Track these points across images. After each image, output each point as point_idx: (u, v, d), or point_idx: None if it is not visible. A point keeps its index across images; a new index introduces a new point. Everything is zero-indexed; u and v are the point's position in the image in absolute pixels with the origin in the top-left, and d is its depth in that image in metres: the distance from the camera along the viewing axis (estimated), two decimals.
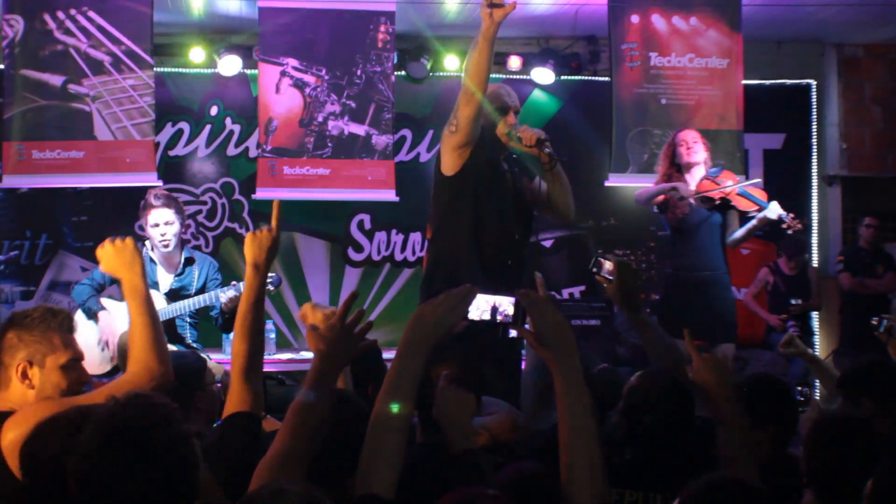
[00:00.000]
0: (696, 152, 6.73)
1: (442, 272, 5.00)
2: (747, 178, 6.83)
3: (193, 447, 2.20)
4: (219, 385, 4.53)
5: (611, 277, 3.51)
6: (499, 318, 2.60)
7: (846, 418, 3.22)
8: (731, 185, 6.65)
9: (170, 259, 6.39)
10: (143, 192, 8.17)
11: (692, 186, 6.72)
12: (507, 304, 2.61)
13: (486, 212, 5.01)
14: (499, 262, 4.97)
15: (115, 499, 2.10)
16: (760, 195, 6.76)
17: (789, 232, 7.00)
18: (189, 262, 6.46)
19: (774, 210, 6.67)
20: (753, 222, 6.71)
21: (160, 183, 7.46)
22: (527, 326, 2.57)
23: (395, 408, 2.44)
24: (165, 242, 6.25)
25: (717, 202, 6.65)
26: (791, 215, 6.82)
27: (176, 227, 6.30)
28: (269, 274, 6.22)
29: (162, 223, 6.25)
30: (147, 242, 6.44)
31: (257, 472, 2.50)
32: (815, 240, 9.51)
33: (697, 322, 6.56)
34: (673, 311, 6.82)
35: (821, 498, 3.01)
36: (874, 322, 5.26)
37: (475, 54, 4.75)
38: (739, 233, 6.84)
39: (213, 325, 6.60)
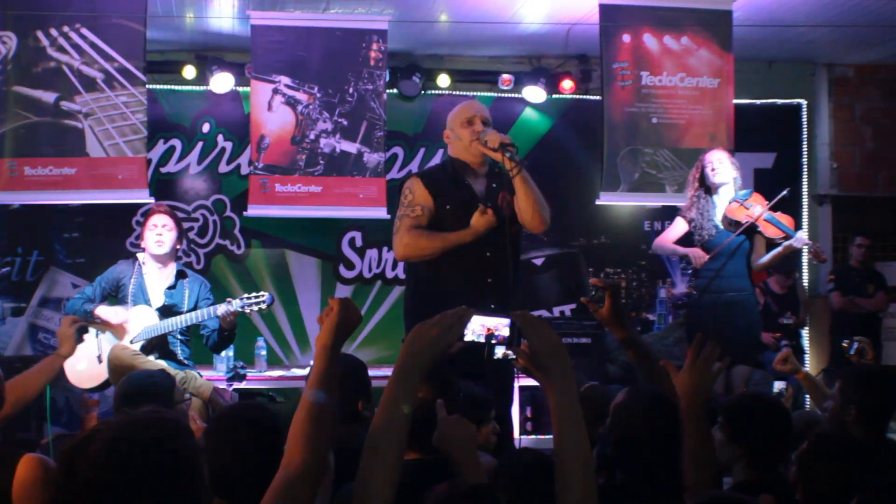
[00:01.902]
0: (722, 172, 6.78)
1: (423, 298, 4.98)
2: (768, 199, 6.82)
3: (201, 462, 2.21)
4: (188, 403, 4.55)
5: (595, 299, 3.55)
6: (493, 340, 2.59)
7: (839, 437, 3.24)
8: (759, 210, 6.69)
9: (163, 263, 6.46)
10: (134, 209, 8.24)
11: (720, 208, 6.76)
12: (502, 326, 2.61)
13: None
14: (476, 283, 4.88)
15: None
16: (788, 223, 6.81)
17: (814, 262, 7.06)
18: (181, 275, 6.52)
19: (800, 239, 6.74)
20: (779, 249, 6.77)
21: (152, 200, 7.48)
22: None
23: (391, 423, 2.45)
24: (160, 242, 6.42)
25: (745, 226, 6.68)
26: (816, 244, 6.89)
27: (173, 234, 6.48)
28: (262, 293, 6.31)
29: (160, 225, 6.46)
30: (140, 255, 6.52)
31: (277, 486, 2.49)
32: (805, 259, 9.53)
33: (722, 343, 6.63)
34: (698, 332, 6.87)
35: None
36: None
37: (440, 246, 4.89)
38: (765, 258, 6.89)
39: (203, 343, 6.60)
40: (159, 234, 6.42)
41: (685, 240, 6.94)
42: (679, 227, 6.94)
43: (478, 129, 4.98)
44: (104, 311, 6.29)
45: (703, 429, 3.22)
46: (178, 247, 6.55)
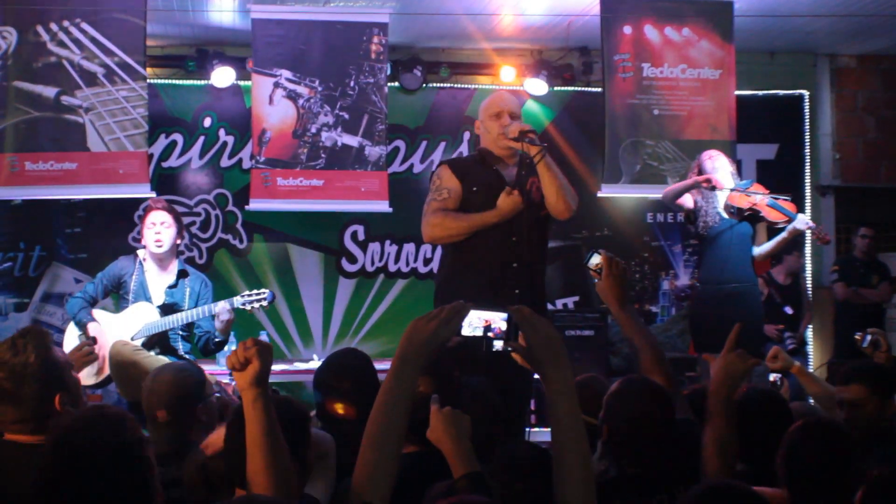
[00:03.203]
0: (718, 159, 6.80)
1: (449, 281, 4.99)
2: (770, 190, 6.83)
3: (146, 455, 2.26)
4: (217, 395, 4.54)
5: (600, 271, 3.58)
6: (491, 333, 2.59)
7: (823, 422, 3.24)
8: (760, 196, 6.68)
9: (163, 263, 6.40)
10: (136, 203, 8.22)
11: (721, 200, 6.73)
12: (499, 320, 2.60)
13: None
14: (500, 267, 4.90)
15: None
16: (790, 207, 6.80)
17: (818, 243, 7.06)
18: (183, 274, 6.48)
19: (803, 221, 6.73)
20: (783, 234, 6.76)
21: (153, 194, 7.43)
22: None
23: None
24: (159, 242, 6.32)
25: (747, 213, 6.67)
26: (819, 226, 6.88)
27: (172, 232, 6.36)
28: (263, 290, 6.29)
29: (158, 223, 6.34)
30: (140, 252, 6.48)
31: None
32: (808, 250, 9.52)
33: (726, 336, 6.62)
34: (702, 324, 6.86)
35: (795, 498, 3.03)
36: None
37: (465, 226, 4.87)
38: (768, 245, 6.89)
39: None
40: (157, 232, 6.32)
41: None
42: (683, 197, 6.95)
43: (504, 123, 4.99)
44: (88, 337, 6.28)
45: (729, 417, 3.25)
46: (178, 242, 6.47)
